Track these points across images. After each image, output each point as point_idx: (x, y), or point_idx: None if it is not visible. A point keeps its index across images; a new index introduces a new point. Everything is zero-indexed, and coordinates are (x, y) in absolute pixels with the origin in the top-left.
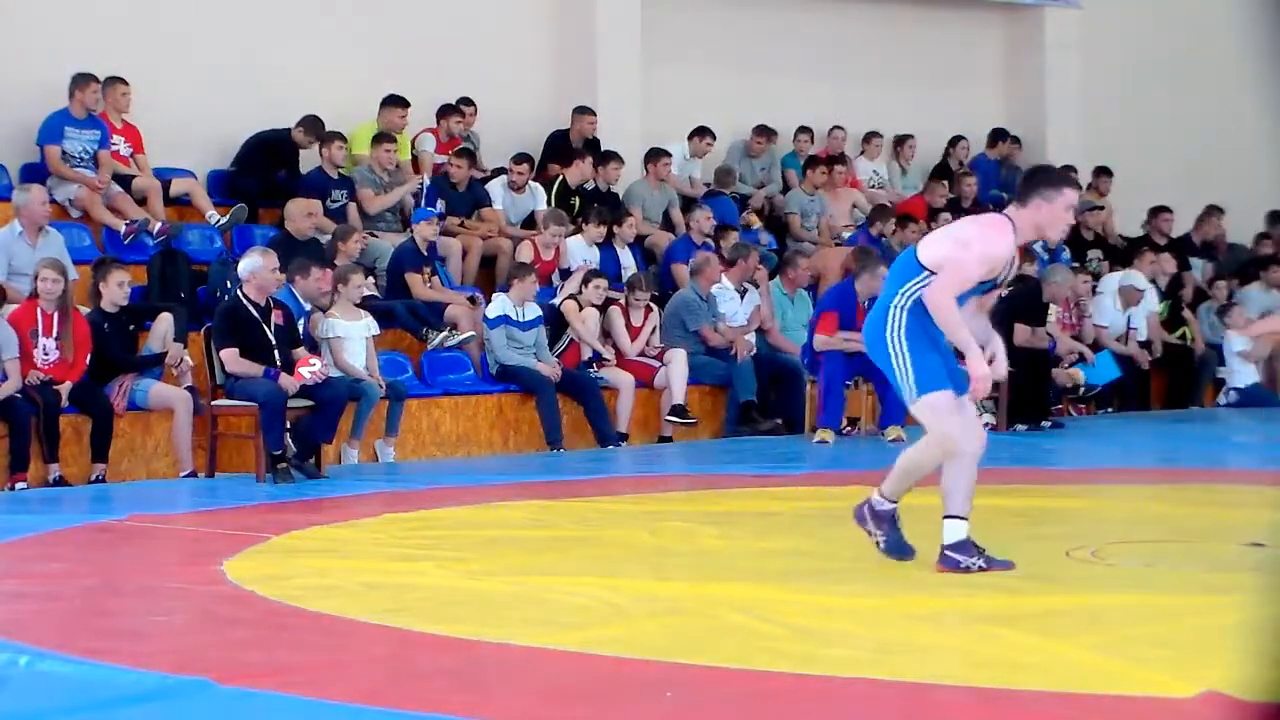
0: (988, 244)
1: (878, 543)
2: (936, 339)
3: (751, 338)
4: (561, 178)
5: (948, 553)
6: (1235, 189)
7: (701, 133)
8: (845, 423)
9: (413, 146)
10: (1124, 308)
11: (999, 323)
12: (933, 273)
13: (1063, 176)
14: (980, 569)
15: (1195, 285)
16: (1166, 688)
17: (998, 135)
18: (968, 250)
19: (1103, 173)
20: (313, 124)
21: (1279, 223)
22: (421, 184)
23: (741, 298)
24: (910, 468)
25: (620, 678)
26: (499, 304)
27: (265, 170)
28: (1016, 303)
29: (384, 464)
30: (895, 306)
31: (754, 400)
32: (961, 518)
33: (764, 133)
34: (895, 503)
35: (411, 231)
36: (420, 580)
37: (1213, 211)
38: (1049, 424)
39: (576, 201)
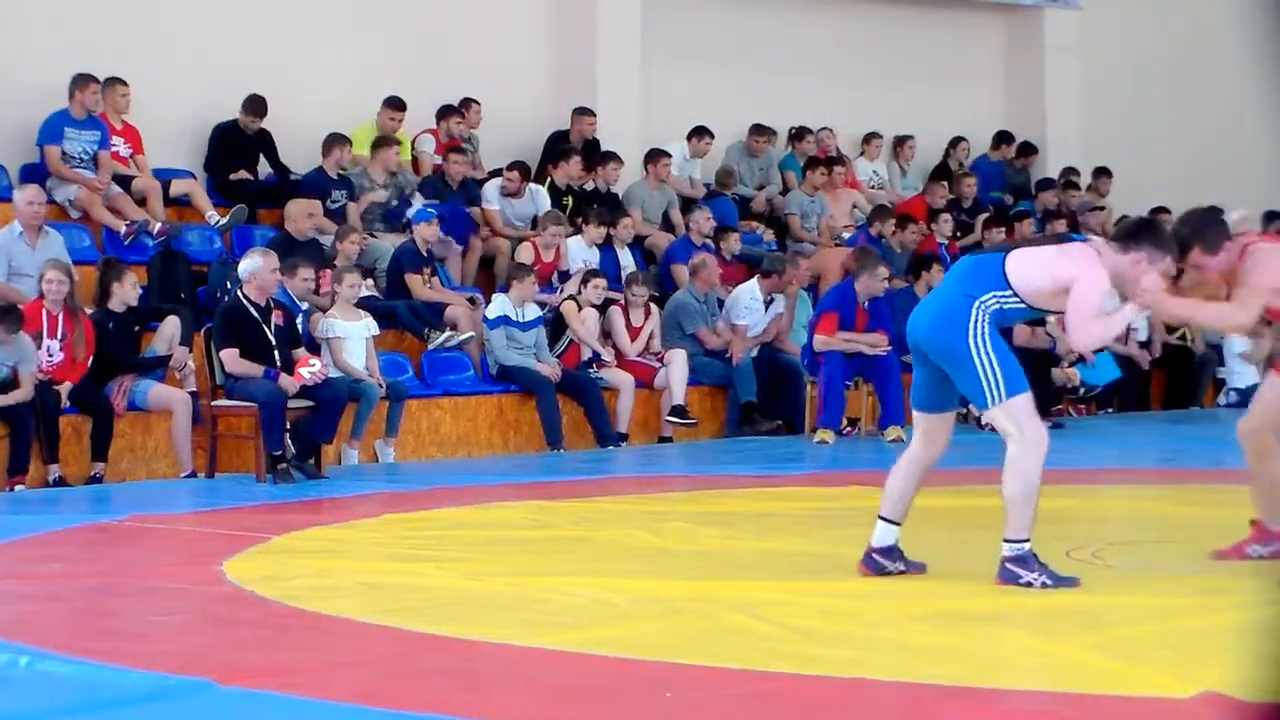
0: (1092, 298)
1: (1044, 584)
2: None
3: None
4: (550, 178)
5: (1009, 566)
6: (1234, 189)
7: (700, 133)
8: (845, 423)
9: (413, 147)
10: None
11: None
12: (1014, 291)
13: (1169, 244)
14: (1044, 585)
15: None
16: (1165, 688)
17: (1001, 138)
18: (1089, 294)
19: (1102, 173)
20: (254, 104)
21: (1274, 221)
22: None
23: (766, 308)
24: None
25: (620, 678)
26: (498, 304)
27: (226, 162)
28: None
29: (384, 464)
30: (978, 308)
31: (754, 401)
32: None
33: (764, 133)
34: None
35: (411, 232)
36: (420, 581)
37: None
38: (1049, 424)
39: (569, 202)
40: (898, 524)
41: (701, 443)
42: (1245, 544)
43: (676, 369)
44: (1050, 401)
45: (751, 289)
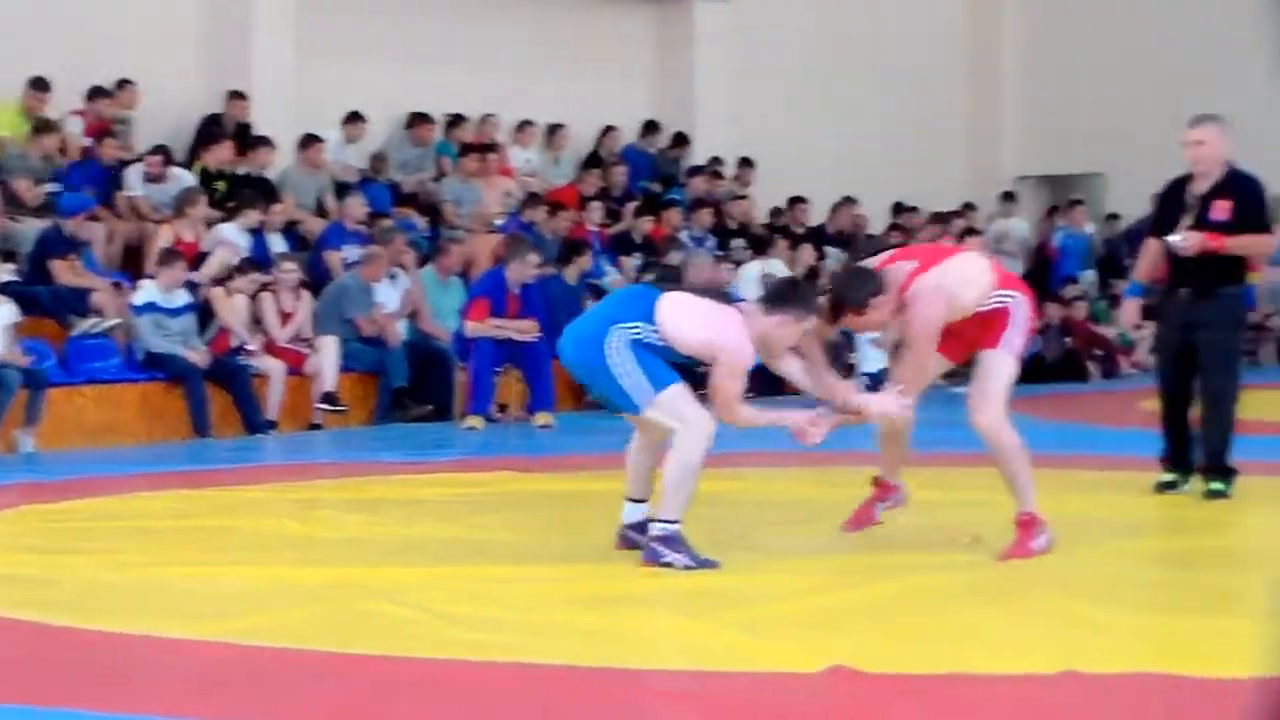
0: (737, 365)
1: (686, 565)
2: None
3: (402, 324)
4: (202, 163)
5: (654, 545)
6: (868, 181)
7: (355, 118)
8: (495, 409)
9: (60, 128)
10: None
11: None
12: (659, 332)
13: (811, 305)
14: (686, 566)
15: (830, 273)
16: (795, 663)
17: (650, 127)
18: (734, 368)
19: (746, 163)
20: None
21: (905, 213)
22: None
23: (391, 282)
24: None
25: (264, 667)
26: (146, 291)
27: None
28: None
29: (23, 454)
30: (618, 331)
31: (405, 387)
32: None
33: (421, 120)
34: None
35: (56, 216)
36: (60, 573)
37: (847, 202)
38: None
39: (221, 186)
40: (644, 501)
41: (352, 430)
42: (870, 504)
43: (327, 355)
44: (696, 386)
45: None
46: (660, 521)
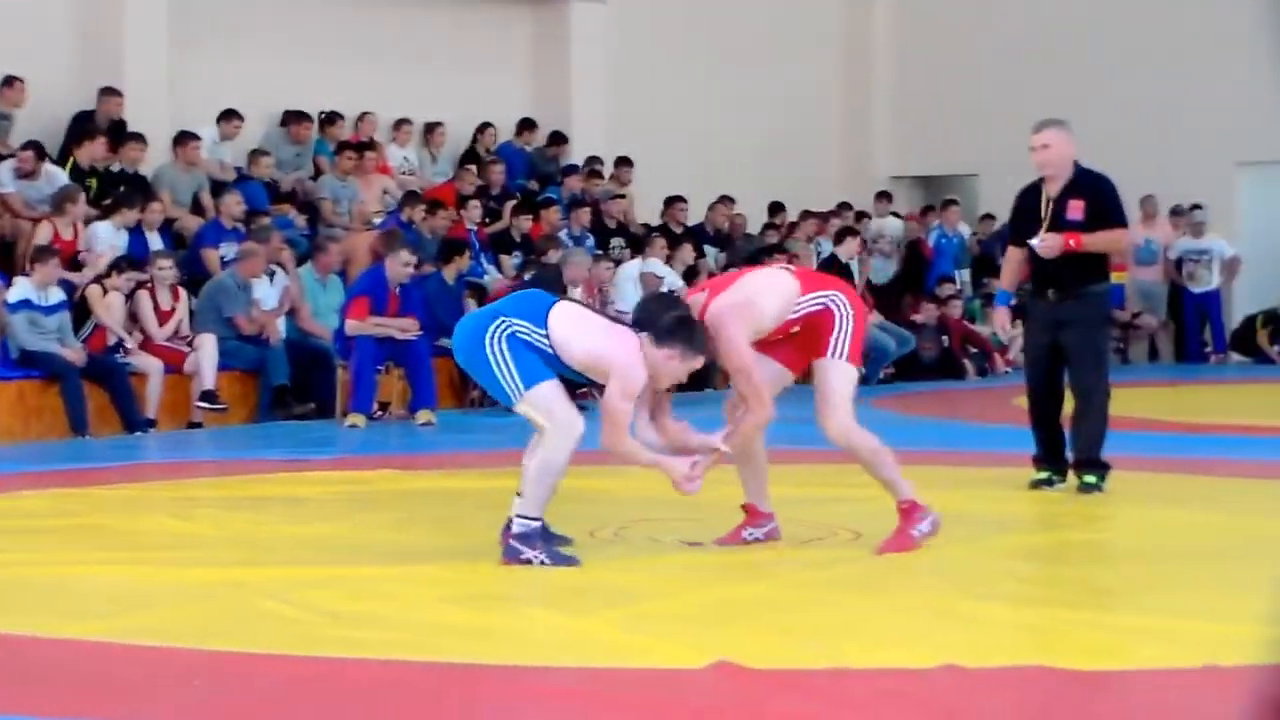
0: (629, 385)
1: (543, 562)
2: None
3: (281, 322)
4: (73, 160)
5: (513, 542)
6: (745, 180)
7: (230, 115)
8: (376, 407)
9: None
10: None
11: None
12: (549, 338)
13: (698, 339)
14: (543, 563)
15: (710, 272)
16: (680, 659)
17: (525, 125)
18: (624, 391)
19: (624, 162)
20: None
21: (781, 213)
22: None
23: (270, 280)
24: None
25: (148, 666)
26: (20, 288)
27: None
28: (537, 285)
29: None
30: (502, 324)
31: (286, 385)
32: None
33: (298, 118)
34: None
35: None
36: None
37: (724, 201)
38: (576, 407)
39: (93, 184)
40: None
41: (232, 428)
42: (741, 528)
43: (207, 353)
44: (576, 386)
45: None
46: (521, 517)
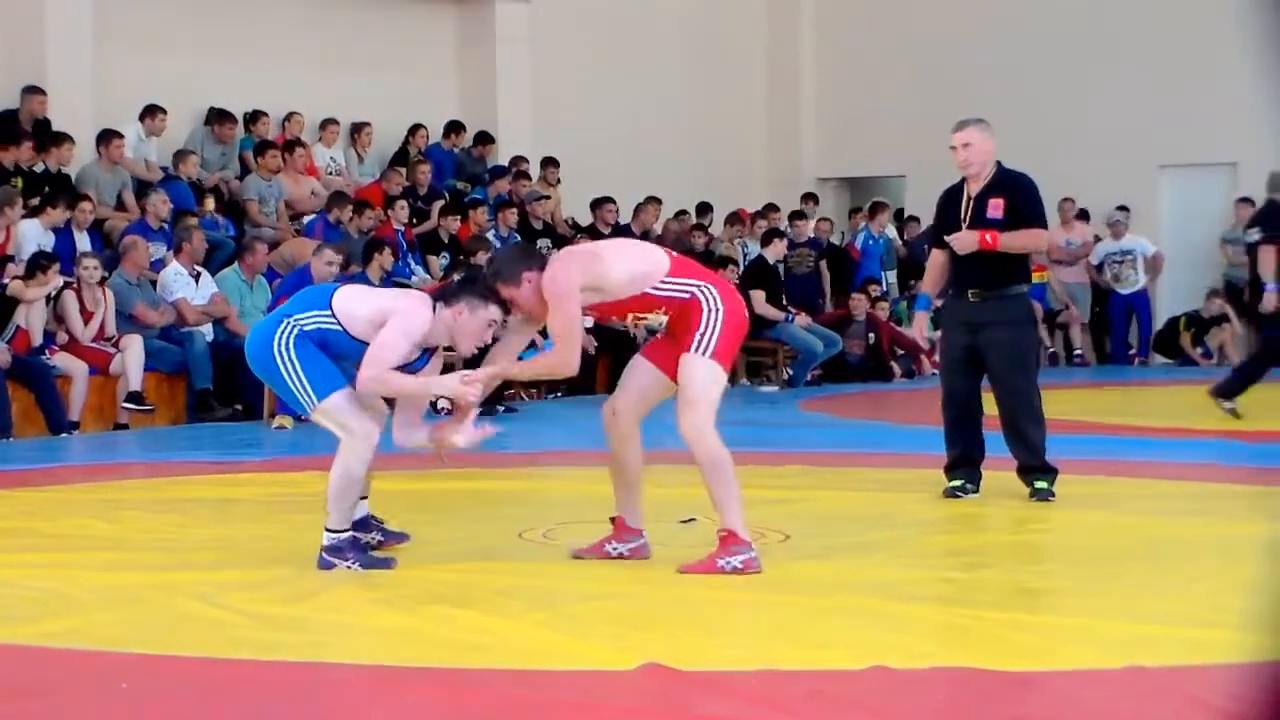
0: (409, 322)
1: (358, 569)
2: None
3: (209, 326)
4: None
5: (325, 556)
6: (670, 181)
7: (154, 112)
8: None
9: None
10: None
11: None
12: (335, 316)
13: (489, 292)
14: (357, 569)
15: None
16: (610, 661)
17: (452, 126)
18: (391, 331)
19: (550, 163)
20: None
21: (708, 213)
22: None
23: (196, 281)
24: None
25: (74, 671)
26: None
27: None
28: (465, 286)
29: None
30: (289, 324)
31: (209, 388)
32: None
33: (224, 117)
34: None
35: None
36: None
37: (651, 202)
38: (503, 408)
39: (18, 183)
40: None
41: (159, 429)
42: (605, 541)
43: (133, 354)
44: (503, 386)
45: (174, 267)
46: (330, 531)
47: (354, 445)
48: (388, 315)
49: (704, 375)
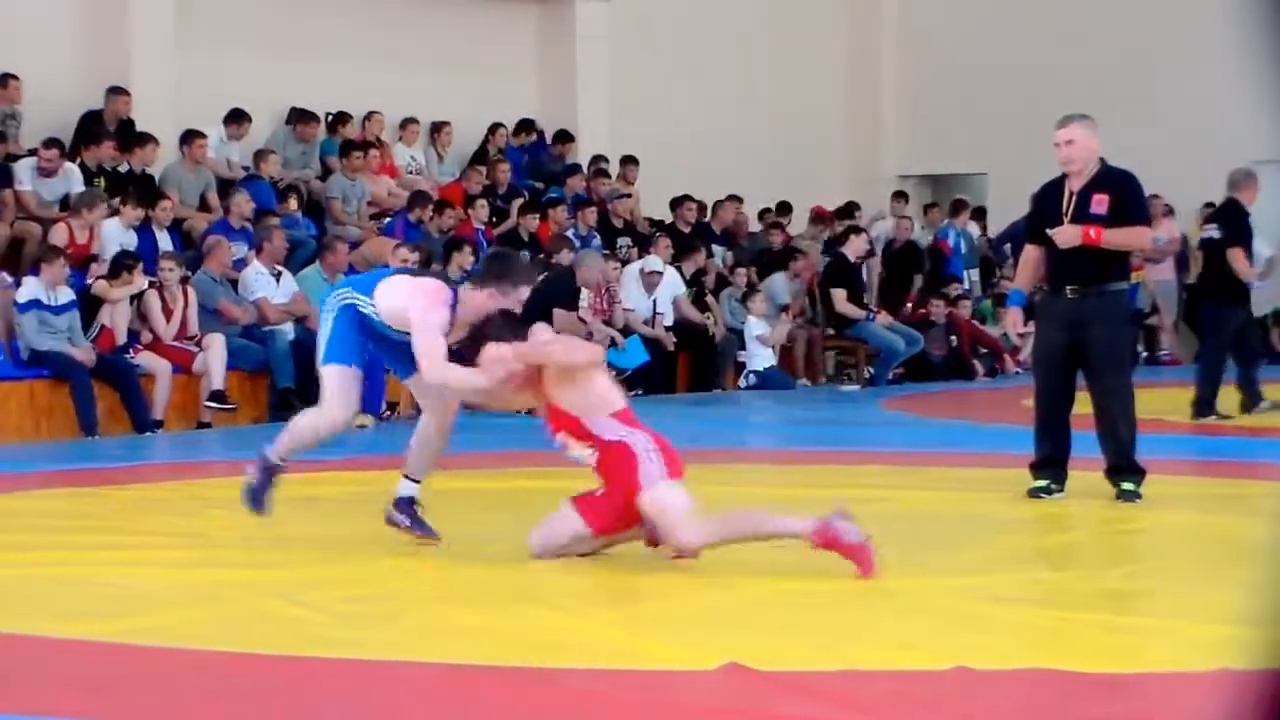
0: (432, 316)
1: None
2: (368, 331)
3: (290, 325)
4: (81, 160)
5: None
6: (750, 179)
7: (238, 115)
8: (385, 407)
9: None
10: (648, 292)
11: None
12: (374, 305)
13: (525, 272)
14: (406, 528)
15: (717, 272)
16: (689, 660)
17: (525, 125)
18: (423, 326)
19: (630, 161)
20: None
21: (788, 212)
22: None
23: (277, 280)
24: (299, 431)
25: (156, 666)
26: (29, 288)
27: None
28: (551, 288)
29: None
30: (343, 296)
31: (291, 387)
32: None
33: (305, 117)
34: (282, 463)
35: None
36: None
37: (731, 200)
38: None
39: (101, 183)
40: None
41: (241, 428)
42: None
43: (215, 353)
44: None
45: (256, 266)
46: (264, 454)
47: (323, 418)
48: (409, 307)
49: (662, 495)
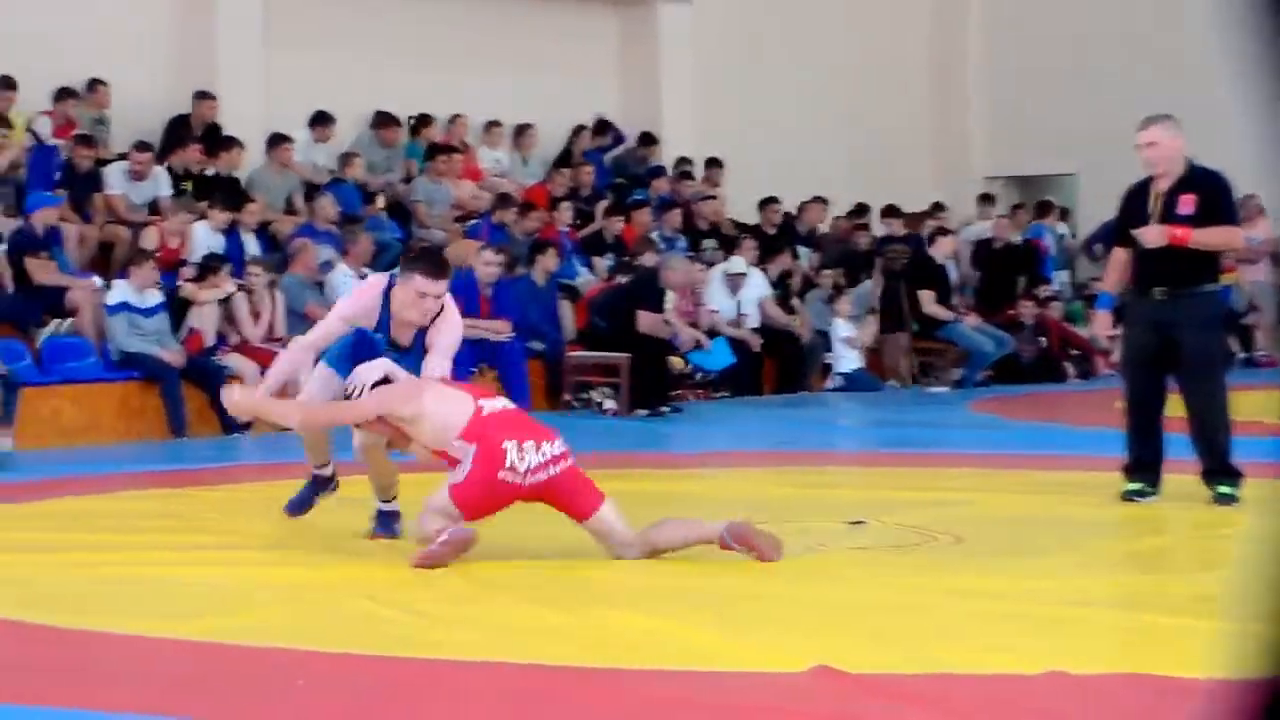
0: (347, 303)
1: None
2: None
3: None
4: (169, 163)
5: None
6: (835, 181)
7: (323, 119)
8: None
9: (30, 128)
10: (732, 294)
11: (621, 310)
12: None
13: (418, 261)
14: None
15: (803, 273)
16: (777, 663)
17: (599, 127)
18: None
19: (714, 164)
20: None
21: (865, 214)
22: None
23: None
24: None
25: (248, 666)
26: (119, 291)
27: None
28: (636, 290)
29: (0, 454)
30: None
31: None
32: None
33: (389, 120)
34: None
35: (27, 215)
36: (40, 573)
37: (816, 202)
38: (668, 409)
39: (188, 186)
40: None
41: None
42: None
43: None
44: (669, 387)
45: (342, 269)
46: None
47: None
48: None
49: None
